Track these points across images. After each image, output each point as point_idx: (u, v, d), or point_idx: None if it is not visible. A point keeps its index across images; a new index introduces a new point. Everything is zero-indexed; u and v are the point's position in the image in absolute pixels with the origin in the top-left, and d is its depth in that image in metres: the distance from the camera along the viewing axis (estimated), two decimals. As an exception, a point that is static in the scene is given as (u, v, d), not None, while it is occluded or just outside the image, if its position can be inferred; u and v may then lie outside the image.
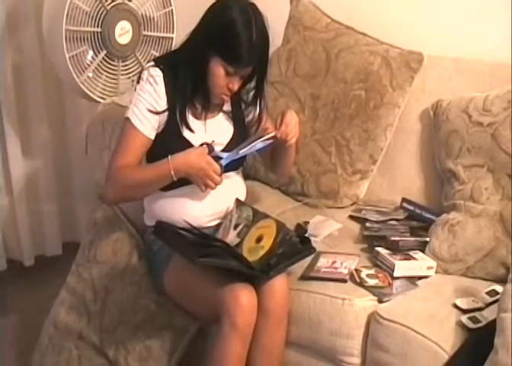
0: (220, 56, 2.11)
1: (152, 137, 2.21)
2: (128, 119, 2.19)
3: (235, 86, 2.18)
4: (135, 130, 2.19)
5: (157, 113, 2.19)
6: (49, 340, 2.40)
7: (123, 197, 2.28)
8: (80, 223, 3.42)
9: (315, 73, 2.69)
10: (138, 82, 2.23)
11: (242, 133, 2.33)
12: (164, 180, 2.15)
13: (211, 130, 2.27)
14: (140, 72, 2.26)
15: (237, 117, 2.35)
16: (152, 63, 2.23)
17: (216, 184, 2.14)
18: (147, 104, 2.19)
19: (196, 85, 2.20)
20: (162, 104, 2.20)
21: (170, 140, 2.21)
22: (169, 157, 2.12)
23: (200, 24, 2.19)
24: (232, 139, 2.29)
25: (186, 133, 2.22)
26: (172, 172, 2.11)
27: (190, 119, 2.24)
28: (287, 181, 2.69)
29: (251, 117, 2.38)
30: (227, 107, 2.32)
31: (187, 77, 2.18)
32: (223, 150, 2.23)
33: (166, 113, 2.21)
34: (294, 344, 2.19)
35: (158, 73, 2.19)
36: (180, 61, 2.20)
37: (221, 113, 2.32)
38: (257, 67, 2.18)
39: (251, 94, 2.31)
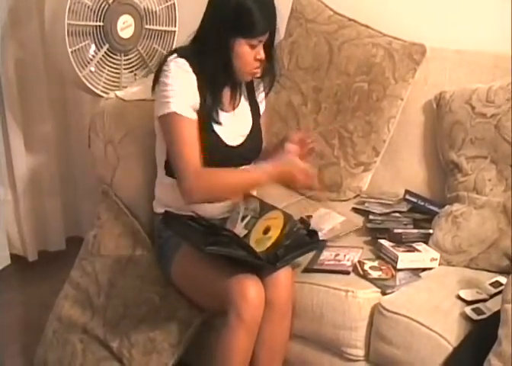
0: (241, 36, 2.13)
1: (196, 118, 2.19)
2: (174, 113, 2.14)
3: (262, 54, 2.19)
4: (183, 119, 2.15)
5: (194, 102, 2.18)
6: (53, 334, 2.41)
7: (209, 200, 2.22)
8: (83, 218, 3.42)
9: (318, 66, 2.68)
10: (158, 75, 2.20)
11: (258, 121, 2.36)
12: (254, 187, 2.27)
13: (236, 122, 2.28)
14: (161, 64, 2.21)
15: (252, 106, 2.36)
16: (176, 55, 2.20)
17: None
18: (185, 93, 2.16)
19: (227, 73, 2.19)
20: (196, 92, 2.18)
21: (199, 133, 2.19)
22: (265, 169, 2.17)
23: (208, 14, 2.19)
24: (252, 130, 2.32)
25: (215, 126, 2.22)
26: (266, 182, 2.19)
27: (218, 111, 2.23)
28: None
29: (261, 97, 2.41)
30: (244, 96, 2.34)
31: (216, 67, 2.17)
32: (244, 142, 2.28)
33: (198, 105, 2.19)
34: (298, 336, 2.19)
35: (185, 63, 2.18)
36: (202, 54, 2.18)
37: (240, 105, 2.32)
38: (272, 29, 2.19)
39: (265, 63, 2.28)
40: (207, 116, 2.20)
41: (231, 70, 2.19)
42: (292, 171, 2.17)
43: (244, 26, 2.13)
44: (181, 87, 2.16)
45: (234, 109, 2.29)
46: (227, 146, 2.24)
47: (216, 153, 2.20)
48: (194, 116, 2.18)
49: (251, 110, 2.35)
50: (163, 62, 2.22)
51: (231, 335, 2.02)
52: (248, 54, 2.17)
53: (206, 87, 2.19)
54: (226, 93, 2.25)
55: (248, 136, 2.31)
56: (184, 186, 2.15)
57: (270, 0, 2.17)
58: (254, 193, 2.34)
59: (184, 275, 2.23)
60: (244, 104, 2.34)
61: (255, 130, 2.34)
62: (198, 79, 2.18)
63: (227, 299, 2.01)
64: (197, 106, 2.19)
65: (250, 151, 2.32)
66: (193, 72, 2.18)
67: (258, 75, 2.27)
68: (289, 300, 2.12)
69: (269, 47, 2.23)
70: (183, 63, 2.18)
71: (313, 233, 2.20)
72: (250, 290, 2.01)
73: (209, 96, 2.20)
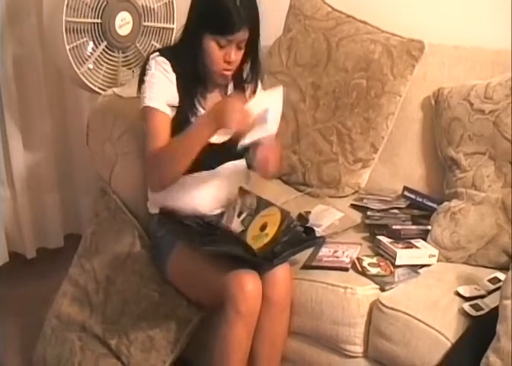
0: (212, 32, 2.12)
1: (170, 114, 2.20)
2: (146, 107, 2.17)
3: (232, 56, 2.16)
4: (155, 111, 2.16)
5: (172, 105, 2.18)
6: (52, 331, 2.41)
7: (169, 176, 2.17)
8: (82, 215, 3.41)
9: (316, 62, 2.68)
10: (143, 74, 2.22)
11: None
12: (202, 140, 2.10)
13: None
14: (145, 63, 2.25)
15: None
16: (157, 53, 2.22)
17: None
18: (161, 89, 2.17)
19: (199, 72, 2.19)
20: (174, 90, 2.19)
21: (179, 131, 2.18)
22: (200, 116, 2.14)
23: (189, 13, 2.20)
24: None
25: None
26: (207, 127, 2.08)
27: (198, 109, 2.23)
28: (288, 171, 2.69)
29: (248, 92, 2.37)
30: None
31: (188, 65, 2.18)
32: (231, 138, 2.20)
33: (176, 103, 2.20)
34: (296, 333, 2.19)
35: (165, 61, 2.19)
36: (180, 52, 2.20)
37: None
38: (250, 31, 2.16)
39: (248, 67, 2.30)
40: (185, 114, 2.20)
41: (202, 68, 2.19)
42: (223, 108, 2.06)
43: (216, 23, 2.12)
44: (158, 84, 2.18)
45: None
46: (209, 144, 2.20)
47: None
48: (168, 111, 2.19)
49: None
50: (145, 61, 2.24)
51: (229, 328, 2.03)
52: (215, 52, 2.15)
53: (184, 86, 2.19)
54: (205, 92, 2.24)
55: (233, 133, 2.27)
56: (148, 177, 2.21)
57: (249, 3, 2.14)
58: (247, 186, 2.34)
59: (181, 273, 2.23)
60: None
61: None
62: (178, 78, 2.19)
63: (224, 293, 2.01)
64: (176, 104, 2.19)
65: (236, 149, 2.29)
66: (174, 70, 2.19)
67: (229, 80, 2.27)
68: (287, 296, 2.12)
69: (251, 51, 2.22)
70: (163, 62, 2.19)
71: (310, 230, 2.20)
72: (247, 283, 2.01)
73: (186, 95, 2.20)
